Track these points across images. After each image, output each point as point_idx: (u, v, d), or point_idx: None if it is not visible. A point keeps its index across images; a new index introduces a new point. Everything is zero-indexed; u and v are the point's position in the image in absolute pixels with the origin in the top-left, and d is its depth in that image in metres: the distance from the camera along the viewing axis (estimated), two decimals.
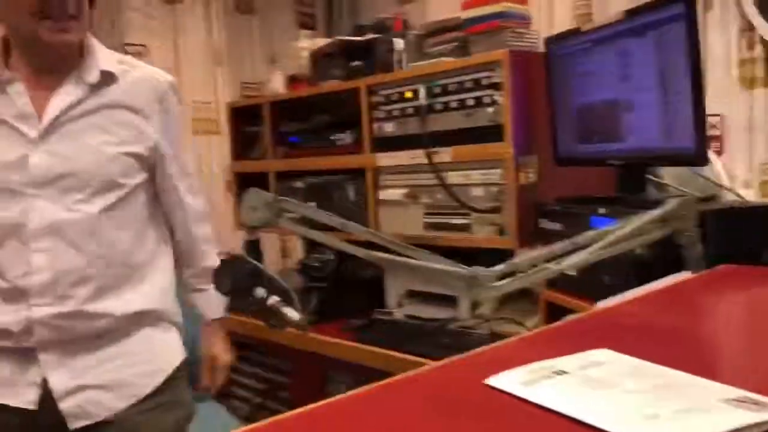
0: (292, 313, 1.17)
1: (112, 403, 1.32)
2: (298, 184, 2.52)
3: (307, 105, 2.60)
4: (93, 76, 1.29)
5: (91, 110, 1.30)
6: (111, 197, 1.31)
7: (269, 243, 3.35)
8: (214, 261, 1.55)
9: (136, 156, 1.35)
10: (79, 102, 1.29)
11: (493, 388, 0.69)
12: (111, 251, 1.32)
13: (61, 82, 1.28)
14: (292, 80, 2.66)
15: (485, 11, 2.03)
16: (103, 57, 1.33)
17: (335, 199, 2.38)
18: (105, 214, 1.30)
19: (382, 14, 3.43)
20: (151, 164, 1.39)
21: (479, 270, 1.29)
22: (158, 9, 3.26)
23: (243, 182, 2.87)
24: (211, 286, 1.55)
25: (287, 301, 1.20)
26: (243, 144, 2.88)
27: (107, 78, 1.31)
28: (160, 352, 1.42)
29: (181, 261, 1.54)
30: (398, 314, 2.29)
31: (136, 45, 3.19)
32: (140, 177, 1.37)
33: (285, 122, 2.68)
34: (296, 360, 2.36)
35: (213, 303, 1.58)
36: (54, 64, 1.28)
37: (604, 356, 0.77)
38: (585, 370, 0.73)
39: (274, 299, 1.20)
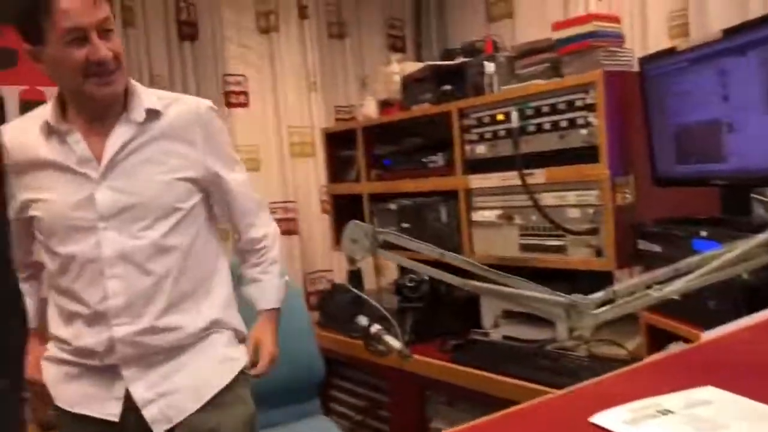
0: (394, 342, 1.22)
1: (186, 406, 1.46)
2: (392, 205, 2.58)
3: (399, 128, 2.65)
4: (139, 116, 1.43)
5: (142, 145, 1.43)
6: (171, 221, 1.44)
7: (363, 262, 3.42)
8: (275, 254, 1.65)
9: (189, 180, 1.48)
10: (130, 140, 1.42)
11: (598, 426, 0.70)
12: (176, 270, 1.45)
13: (112, 125, 1.42)
14: (384, 105, 2.73)
15: (577, 31, 2.03)
16: (146, 96, 1.46)
17: (428, 220, 2.42)
18: (167, 238, 1.44)
19: (470, 33, 3.48)
20: (204, 184, 1.52)
21: (578, 298, 1.29)
22: (255, 39, 3.41)
23: (338, 204, 2.96)
24: (268, 277, 1.64)
25: (389, 329, 1.25)
26: (338, 167, 2.97)
27: (152, 115, 1.44)
28: (224, 359, 1.53)
29: (242, 258, 1.65)
30: (495, 335, 2.30)
31: (236, 75, 3.36)
32: (196, 198, 1.50)
33: (378, 145, 2.75)
34: (394, 379, 2.40)
35: (267, 293, 1.64)
36: (104, 112, 1.42)
37: (711, 394, 0.76)
38: (691, 410, 0.73)
39: (376, 327, 1.25)
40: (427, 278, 2.47)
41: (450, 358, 2.18)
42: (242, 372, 1.56)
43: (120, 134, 1.42)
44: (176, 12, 3.15)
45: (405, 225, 2.50)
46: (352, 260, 1.32)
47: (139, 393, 1.43)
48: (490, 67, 2.24)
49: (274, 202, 3.43)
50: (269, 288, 1.64)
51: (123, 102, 1.43)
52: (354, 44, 3.68)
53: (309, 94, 3.49)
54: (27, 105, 2.74)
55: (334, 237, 2.98)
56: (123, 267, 1.40)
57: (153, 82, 3.09)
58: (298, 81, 3.48)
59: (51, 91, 2.84)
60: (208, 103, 1.56)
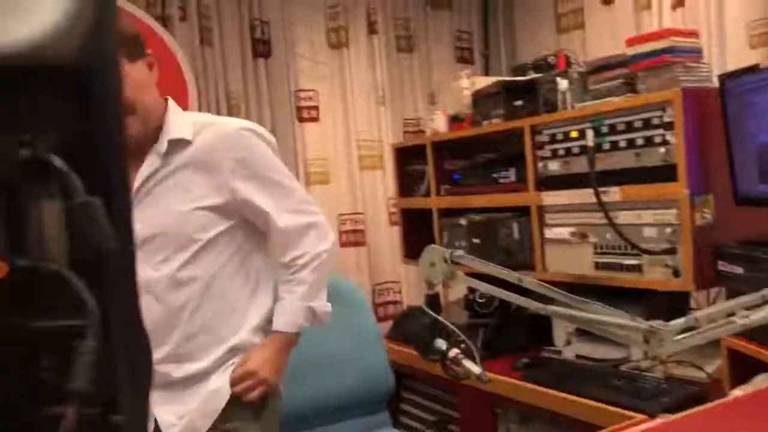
0: (472, 366, 1.23)
1: (204, 428, 1.50)
2: (462, 221, 2.59)
3: (468, 143, 2.67)
4: (163, 147, 1.46)
5: (167, 175, 1.47)
6: (189, 252, 1.46)
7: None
8: (305, 275, 1.55)
9: (212, 208, 1.48)
10: (155, 171, 1.46)
11: None
12: (194, 301, 1.47)
13: (143, 159, 1.47)
14: (454, 120, 2.74)
15: (653, 47, 1.99)
16: (175, 126, 1.48)
17: (499, 236, 2.42)
18: (185, 269, 1.46)
19: (539, 44, 3.46)
20: (233, 210, 1.50)
21: (658, 324, 1.27)
22: (326, 55, 3.49)
23: (408, 218, 2.99)
24: (289, 297, 1.55)
25: (467, 353, 1.27)
26: (407, 181, 3.00)
27: (178, 144, 1.47)
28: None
29: (280, 276, 1.61)
30: (567, 353, 2.27)
31: (307, 90, 3.44)
32: (220, 227, 1.49)
33: (448, 160, 2.76)
34: (465, 395, 2.41)
35: (283, 314, 1.55)
36: (135, 150, 1.45)
37: None
38: None
39: (455, 352, 1.27)
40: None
41: (521, 376, 2.18)
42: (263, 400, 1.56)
43: (146, 166, 1.46)
44: (251, 31, 3.26)
45: (475, 240, 2.51)
46: (430, 284, 1.34)
47: (162, 417, 1.48)
48: (563, 83, 2.23)
49: (343, 214, 3.49)
50: (287, 309, 1.55)
51: (157, 134, 1.47)
52: (422, 57, 3.71)
53: (378, 108, 3.54)
54: None
55: (403, 251, 3.01)
56: (145, 297, 1.43)
57: (228, 98, 3.20)
58: (367, 95, 3.53)
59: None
60: (243, 124, 1.55)
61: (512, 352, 2.35)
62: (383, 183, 3.52)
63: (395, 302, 3.55)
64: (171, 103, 1.53)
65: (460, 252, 1.29)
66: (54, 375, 0.62)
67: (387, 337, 2.76)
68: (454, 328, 1.29)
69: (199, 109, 3.08)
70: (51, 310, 0.61)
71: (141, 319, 0.61)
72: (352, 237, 3.52)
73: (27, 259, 0.60)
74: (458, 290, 3.20)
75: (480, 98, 2.59)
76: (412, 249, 2.94)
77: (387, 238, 3.51)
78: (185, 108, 2.98)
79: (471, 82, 2.81)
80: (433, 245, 1.30)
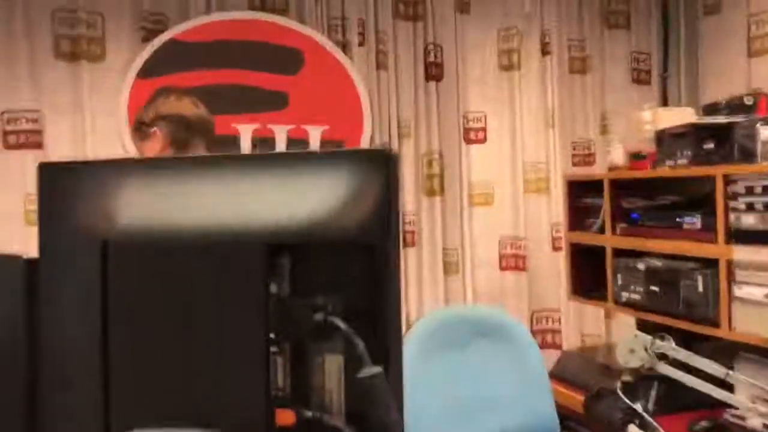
0: None
1: None
2: (639, 265, 2.48)
3: (650, 181, 2.55)
4: None
5: None
6: None
7: (591, 311, 3.34)
8: None
9: None
10: None
11: None
12: None
13: None
14: (635, 157, 2.63)
15: None
16: None
17: (681, 287, 2.30)
18: None
19: (725, 68, 3.24)
20: None
21: None
22: (496, 77, 3.47)
23: (577, 252, 2.91)
24: None
25: None
26: (577, 214, 2.92)
27: None
28: None
29: None
30: (753, 420, 2.12)
31: (476, 112, 3.44)
32: None
33: (625, 197, 2.66)
34: None
35: None
36: None
37: None
38: None
39: None
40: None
41: None
42: None
43: None
44: (424, 54, 3.31)
45: (653, 288, 2.40)
46: (627, 370, 1.32)
47: None
48: (764, 131, 2.07)
49: (504, 237, 3.47)
50: None
51: None
52: (595, 78, 3.59)
53: (546, 130, 3.47)
54: (292, 143, 3.05)
55: (571, 286, 2.94)
56: None
57: (399, 120, 3.27)
58: (536, 117, 3.48)
59: (316, 131, 3.09)
60: None
61: (687, 410, 2.23)
62: (548, 208, 3.46)
63: (554, 331, 3.48)
64: None
65: (666, 344, 1.25)
66: None
67: (552, 375, 2.71)
68: (653, 421, 1.25)
69: (372, 132, 3.18)
70: None
71: None
72: (512, 261, 3.49)
73: (311, 411, 0.66)
74: (621, 328, 3.09)
75: (665, 137, 2.47)
76: (580, 285, 2.87)
77: (549, 264, 3.45)
78: (359, 132, 3.12)
79: (652, 115, 2.68)
80: (637, 332, 1.27)
